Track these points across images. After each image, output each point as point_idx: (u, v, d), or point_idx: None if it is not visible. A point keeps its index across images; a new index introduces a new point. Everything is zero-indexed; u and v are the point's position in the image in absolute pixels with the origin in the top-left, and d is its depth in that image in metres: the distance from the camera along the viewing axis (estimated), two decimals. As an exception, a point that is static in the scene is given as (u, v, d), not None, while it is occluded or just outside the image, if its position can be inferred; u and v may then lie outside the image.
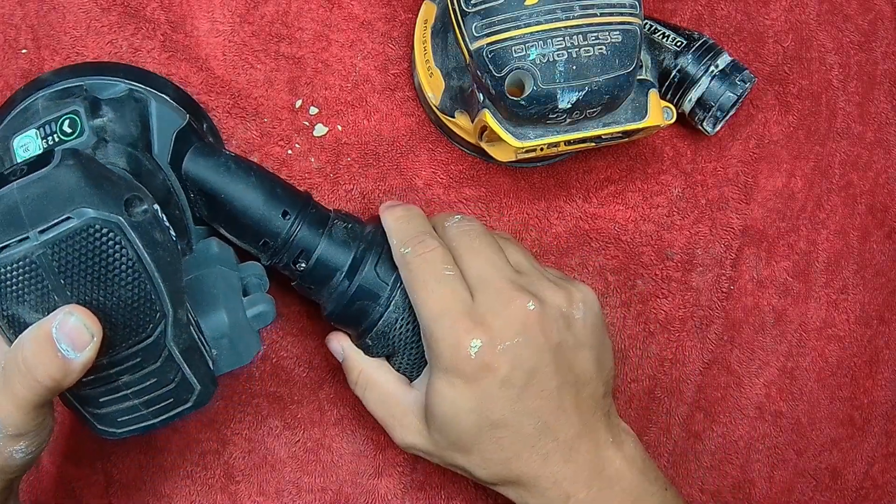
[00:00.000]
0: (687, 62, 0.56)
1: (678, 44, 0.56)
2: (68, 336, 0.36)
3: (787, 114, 0.62)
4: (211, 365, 0.44)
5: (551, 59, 0.47)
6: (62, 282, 0.36)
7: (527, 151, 0.51)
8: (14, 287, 0.36)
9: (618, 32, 0.48)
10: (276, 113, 0.58)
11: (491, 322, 0.46)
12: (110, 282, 0.37)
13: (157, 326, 0.39)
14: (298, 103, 0.58)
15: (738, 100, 0.56)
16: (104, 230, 0.36)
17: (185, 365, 0.42)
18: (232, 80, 0.58)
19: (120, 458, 0.56)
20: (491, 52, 0.47)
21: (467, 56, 0.49)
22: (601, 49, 0.47)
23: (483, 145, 0.54)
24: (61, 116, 0.45)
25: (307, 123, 0.58)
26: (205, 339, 0.45)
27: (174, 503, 0.56)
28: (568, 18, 0.47)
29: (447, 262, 0.47)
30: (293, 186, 0.51)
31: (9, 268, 0.36)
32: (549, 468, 0.47)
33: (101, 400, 0.41)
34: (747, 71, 0.56)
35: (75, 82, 0.47)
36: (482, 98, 0.50)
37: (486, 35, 0.48)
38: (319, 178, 0.58)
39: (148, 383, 0.41)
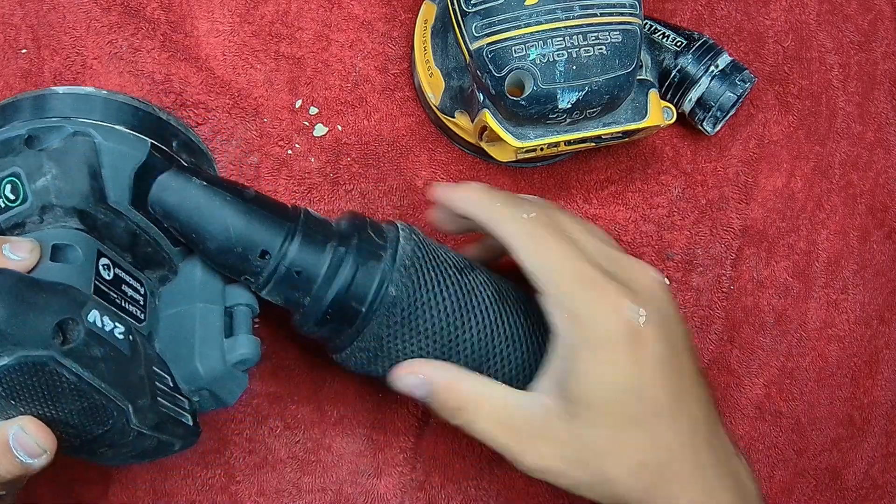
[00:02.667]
0: (687, 62, 0.56)
1: (678, 44, 0.56)
2: (23, 447, 0.38)
3: (787, 114, 0.62)
4: (190, 420, 0.43)
5: (551, 59, 0.47)
6: (13, 403, 0.37)
7: (527, 151, 0.51)
8: None
9: (618, 32, 0.48)
10: (276, 113, 0.58)
11: (637, 289, 0.40)
12: (57, 400, 0.37)
13: (118, 420, 0.39)
14: (298, 103, 0.58)
15: (738, 100, 0.56)
16: (37, 365, 0.36)
17: (160, 434, 0.42)
18: (232, 80, 0.58)
19: (120, 458, 0.56)
20: (491, 51, 0.47)
21: (467, 56, 0.49)
22: (601, 49, 0.47)
23: (483, 145, 0.54)
24: (2, 179, 0.42)
25: (307, 123, 0.58)
26: (181, 392, 0.44)
27: (174, 503, 0.56)
28: (568, 18, 0.47)
29: (567, 229, 0.42)
30: (277, 209, 0.45)
31: None
32: (699, 486, 0.40)
33: (89, 457, 0.42)
34: (747, 71, 0.56)
35: (16, 131, 0.43)
36: (482, 98, 0.50)
37: (486, 35, 0.48)
38: (319, 178, 0.58)
39: (126, 451, 0.41)
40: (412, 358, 0.44)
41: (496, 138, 0.51)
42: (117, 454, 0.42)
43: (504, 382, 0.42)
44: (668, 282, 0.44)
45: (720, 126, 0.57)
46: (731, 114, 0.57)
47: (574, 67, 0.47)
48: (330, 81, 0.59)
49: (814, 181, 0.62)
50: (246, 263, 0.43)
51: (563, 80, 0.47)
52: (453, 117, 0.55)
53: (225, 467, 0.56)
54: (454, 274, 0.45)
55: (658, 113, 0.52)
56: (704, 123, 0.57)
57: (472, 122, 0.53)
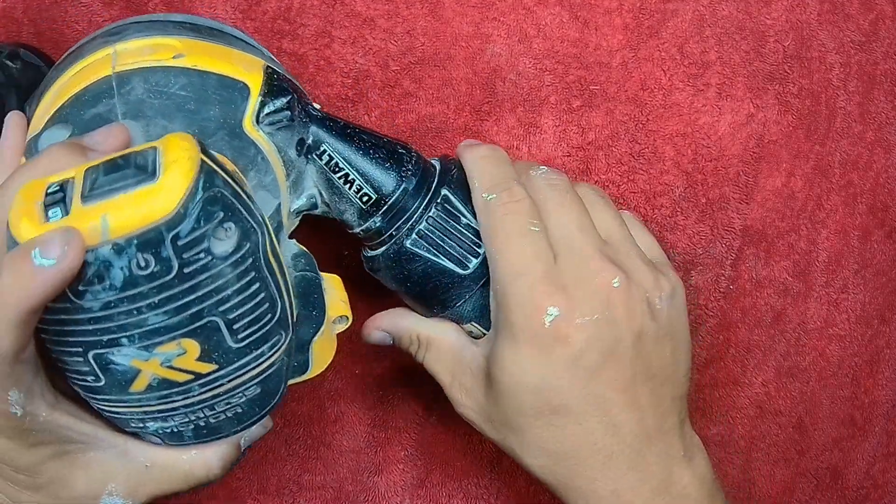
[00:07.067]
0: (374, 226, 0.44)
1: (364, 198, 0.43)
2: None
3: (786, 113, 0.62)
4: None
5: (175, 431, 0.41)
6: None
7: None
8: None
9: (256, 384, 0.41)
10: (278, 109, 0.58)
11: (573, 291, 0.41)
12: None
13: None
14: (300, 100, 0.58)
15: None
16: None
17: None
18: (234, 75, 0.58)
19: (118, 455, 0.55)
20: (108, 414, 0.40)
21: None
22: (237, 409, 0.41)
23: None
24: None
25: (309, 120, 0.58)
26: None
27: (174, 500, 0.55)
28: (187, 397, 0.39)
29: (533, 217, 0.42)
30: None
31: None
32: (609, 472, 0.42)
33: None
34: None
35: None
36: None
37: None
38: (321, 174, 0.58)
39: None
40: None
41: None
42: None
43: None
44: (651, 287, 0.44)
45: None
46: None
47: (205, 431, 0.41)
48: (331, 79, 0.59)
49: (814, 181, 0.62)
50: None
51: (192, 440, 0.42)
52: None
53: (224, 464, 0.56)
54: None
55: (329, 354, 0.46)
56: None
57: None
